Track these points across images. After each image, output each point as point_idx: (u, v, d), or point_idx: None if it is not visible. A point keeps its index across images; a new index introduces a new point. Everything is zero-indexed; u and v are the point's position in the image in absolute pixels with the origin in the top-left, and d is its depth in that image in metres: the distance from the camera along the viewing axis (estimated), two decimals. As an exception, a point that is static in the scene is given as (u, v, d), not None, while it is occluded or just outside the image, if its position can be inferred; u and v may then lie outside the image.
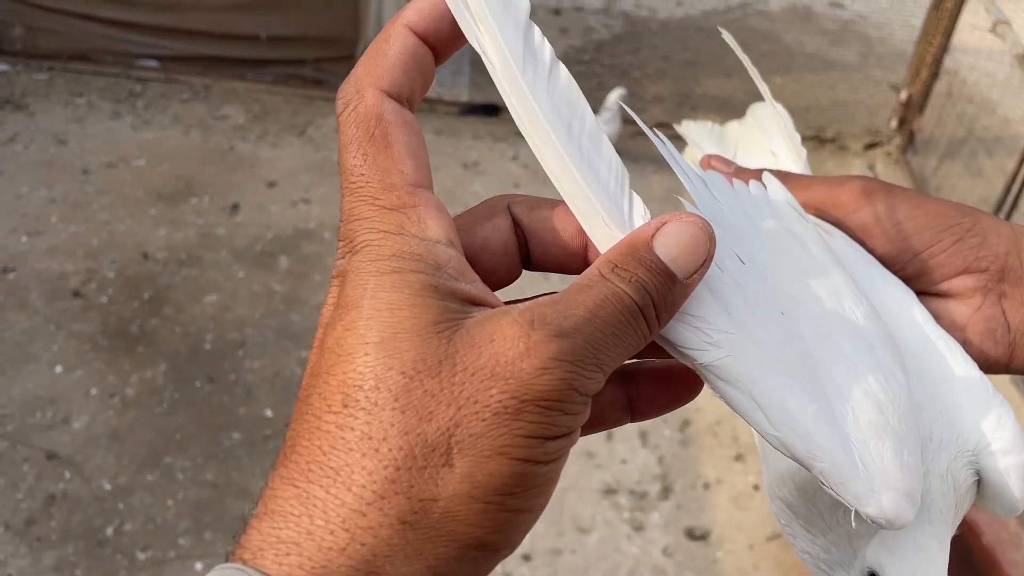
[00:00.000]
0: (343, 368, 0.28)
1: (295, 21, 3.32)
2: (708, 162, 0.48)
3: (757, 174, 0.45)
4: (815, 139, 3.33)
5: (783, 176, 0.46)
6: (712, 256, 0.31)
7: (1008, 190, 2.40)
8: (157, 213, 2.81)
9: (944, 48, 2.97)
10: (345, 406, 0.28)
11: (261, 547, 0.27)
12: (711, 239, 0.31)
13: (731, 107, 3.51)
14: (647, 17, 4.15)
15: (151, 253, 2.65)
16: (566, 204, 0.33)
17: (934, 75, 3.04)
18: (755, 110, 0.54)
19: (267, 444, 2.15)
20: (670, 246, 0.30)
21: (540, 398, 0.27)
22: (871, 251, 0.43)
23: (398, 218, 0.30)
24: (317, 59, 3.42)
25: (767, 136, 0.50)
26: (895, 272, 0.43)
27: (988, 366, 0.42)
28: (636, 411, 0.35)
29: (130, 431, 2.16)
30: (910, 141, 3.18)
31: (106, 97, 3.31)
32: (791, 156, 0.50)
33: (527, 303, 0.29)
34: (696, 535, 2.03)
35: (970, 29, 3.03)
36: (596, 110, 3.12)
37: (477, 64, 3.68)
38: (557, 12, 4.14)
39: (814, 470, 0.33)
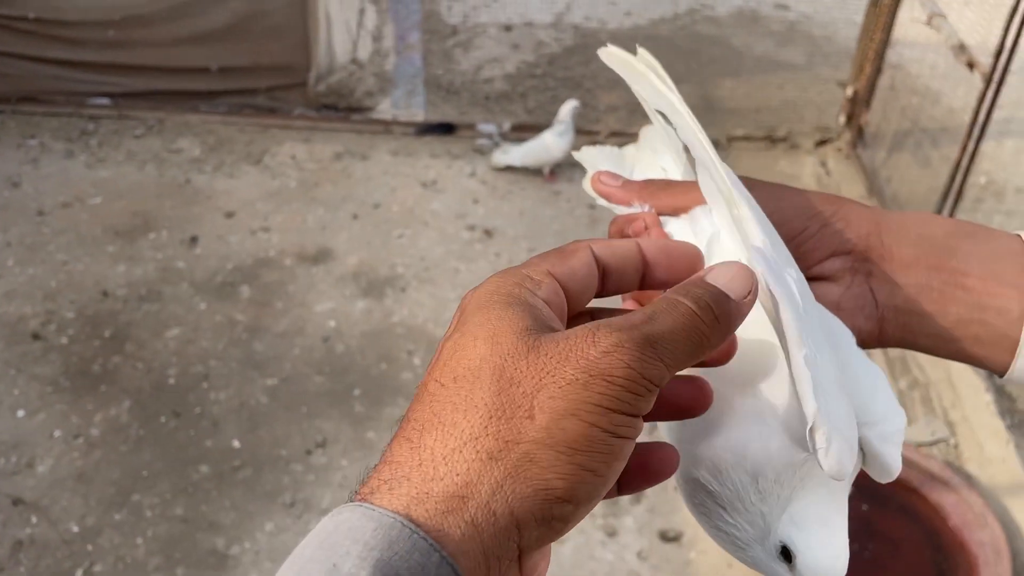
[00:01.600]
0: (456, 357, 0.35)
1: (245, 51, 3.32)
2: (598, 178, 0.49)
3: (641, 185, 0.48)
4: (767, 139, 3.39)
5: (663, 185, 0.48)
6: (757, 287, 0.38)
7: (953, 178, 2.45)
8: (115, 250, 2.79)
9: (885, 43, 3.03)
10: (455, 380, 0.34)
11: (376, 488, 0.32)
12: (753, 273, 0.38)
13: (684, 112, 3.55)
14: (597, 28, 4.20)
15: (111, 291, 2.64)
16: (629, 243, 0.42)
17: (877, 70, 3.11)
18: (646, 132, 0.57)
19: (236, 475, 2.13)
20: (720, 276, 0.38)
21: (604, 374, 0.33)
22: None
23: (520, 274, 0.38)
24: (270, 88, 3.43)
25: (657, 155, 0.53)
26: None
27: (861, 340, 0.45)
28: (623, 486, 0.40)
29: (96, 471, 2.14)
30: (859, 136, 3.24)
31: (59, 137, 3.29)
32: (678, 169, 0.53)
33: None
34: (669, 537, 2.05)
35: (908, 23, 3.10)
36: (550, 123, 3.15)
37: (431, 84, 3.71)
38: (508, 28, 4.18)
39: (808, 409, 0.37)
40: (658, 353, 0.34)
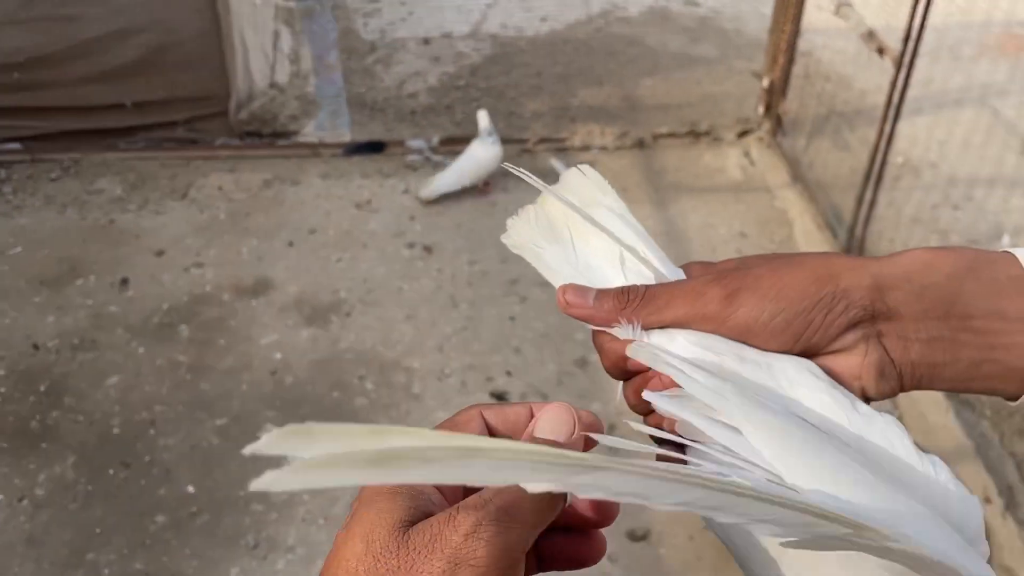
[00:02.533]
0: (338, 557, 0.38)
1: (160, 84, 3.24)
2: (565, 300, 0.48)
3: (617, 299, 0.47)
4: (690, 134, 3.45)
5: (643, 298, 0.47)
6: (576, 423, 0.42)
7: (873, 159, 2.54)
8: (42, 300, 2.69)
9: (796, 32, 3.13)
10: None
11: None
12: (570, 411, 0.42)
13: (607, 113, 3.61)
14: (515, 36, 4.23)
15: (41, 343, 2.54)
16: (522, 408, 0.44)
17: (790, 59, 3.20)
18: (566, 179, 0.56)
19: (194, 522, 2.08)
20: (544, 427, 0.42)
21: (468, 561, 0.35)
22: (754, 343, 0.46)
23: None
24: (189, 119, 3.35)
25: (589, 207, 0.53)
26: (790, 353, 0.47)
27: (883, 397, 0.47)
28: (544, 560, 0.43)
29: (46, 533, 2.06)
30: (778, 124, 3.33)
31: (-31, 187, 3.16)
32: (619, 206, 0.53)
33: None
34: (637, 536, 2.07)
35: (816, 11, 3.21)
36: (476, 133, 3.16)
37: (355, 103, 3.67)
38: (426, 41, 4.18)
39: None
40: (515, 519, 0.36)
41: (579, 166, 0.56)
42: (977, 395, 2.38)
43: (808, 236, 2.92)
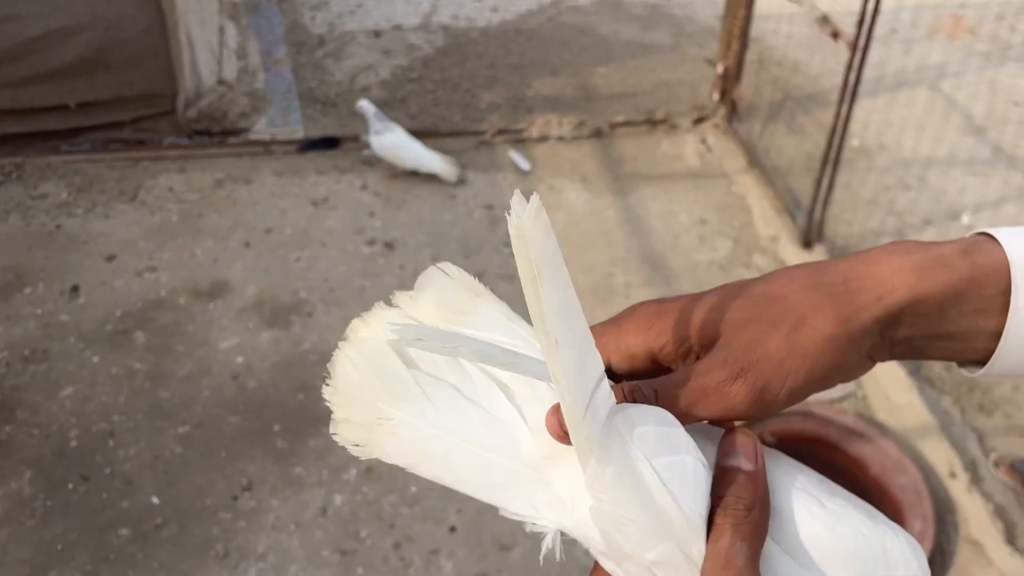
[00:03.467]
0: None
1: (105, 84, 3.14)
2: (558, 421, 0.43)
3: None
4: (647, 122, 3.46)
5: (671, 402, 0.45)
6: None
7: (830, 143, 2.57)
8: (-12, 311, 2.59)
9: (748, 19, 3.14)
10: None
11: None
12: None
13: (563, 103, 3.59)
14: (467, 27, 4.18)
15: (-10, 355, 2.44)
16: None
17: (744, 45, 3.22)
18: (422, 284, 0.48)
19: (160, 534, 2.02)
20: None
21: None
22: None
23: None
24: (136, 119, 3.25)
25: (451, 323, 0.47)
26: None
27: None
28: None
29: (4, 552, 1.98)
30: (733, 110, 3.35)
31: (-96, 195, 3.02)
32: (489, 314, 0.48)
33: None
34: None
35: (768, -2, 3.23)
36: (436, 127, 3.12)
37: (306, 98, 3.60)
38: (377, 34, 4.11)
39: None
40: None
41: (440, 265, 0.48)
42: (939, 373, 2.43)
43: (767, 221, 2.94)
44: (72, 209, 3.01)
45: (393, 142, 3.06)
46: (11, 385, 2.36)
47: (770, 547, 0.43)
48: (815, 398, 2.37)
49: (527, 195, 0.37)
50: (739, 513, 0.42)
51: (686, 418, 0.44)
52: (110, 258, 2.80)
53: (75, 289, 2.68)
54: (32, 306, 2.61)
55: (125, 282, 2.71)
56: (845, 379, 0.46)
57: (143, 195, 3.08)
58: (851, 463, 2.18)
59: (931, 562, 2.00)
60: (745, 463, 0.43)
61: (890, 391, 2.38)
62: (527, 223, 0.36)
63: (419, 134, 3.20)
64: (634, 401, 0.43)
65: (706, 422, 0.46)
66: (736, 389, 0.44)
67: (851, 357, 0.45)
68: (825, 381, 0.45)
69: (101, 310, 2.60)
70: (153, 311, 2.61)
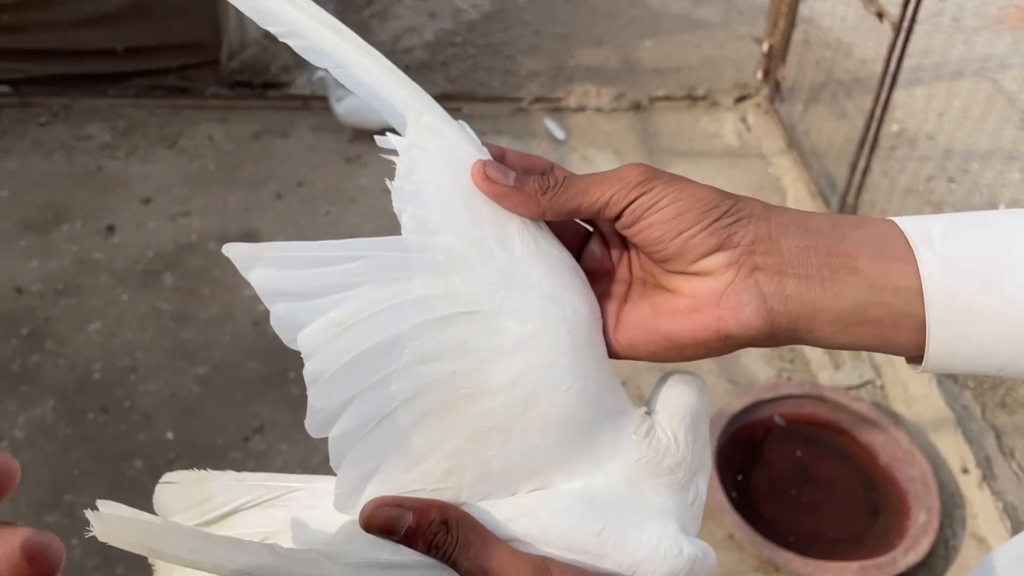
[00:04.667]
0: None
1: (152, 31, 3.19)
2: (485, 171, 0.46)
3: (538, 179, 0.46)
4: (688, 98, 3.41)
5: (558, 185, 0.46)
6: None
7: (868, 128, 2.51)
8: (27, 244, 2.67)
9: (797, -2, 3.08)
10: None
11: None
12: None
13: (604, 74, 3.56)
14: (514, -7, 4.16)
15: (25, 287, 2.53)
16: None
17: (791, 24, 3.15)
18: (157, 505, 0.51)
19: (172, 467, 2.06)
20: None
21: None
22: (640, 233, 0.45)
23: None
24: (180, 67, 3.31)
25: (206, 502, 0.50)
26: (658, 253, 0.45)
27: (751, 338, 0.44)
28: None
29: (24, 474, 2.05)
30: (776, 90, 3.29)
31: (-44, 129, 3.13)
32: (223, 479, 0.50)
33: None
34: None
35: (819, -23, 3.15)
36: (474, 92, 3.11)
37: (348, 56, 3.62)
38: (424, -3, 4.11)
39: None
40: None
41: (163, 479, 0.51)
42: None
43: (801, 203, 2.89)
44: (114, 152, 3.08)
45: (357, 105, 3.01)
46: (43, 316, 2.44)
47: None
48: (830, 382, 2.34)
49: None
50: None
51: (585, 195, 0.45)
52: (146, 201, 2.87)
53: (111, 229, 2.75)
54: (69, 242, 2.69)
55: (159, 225, 2.77)
56: (705, 239, 0.44)
57: (183, 142, 3.14)
58: (861, 450, 2.16)
59: (934, 554, 1.98)
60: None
61: (909, 382, 2.34)
62: None
63: (456, 98, 3.21)
64: (547, 183, 0.46)
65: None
66: (632, 171, 0.45)
67: (728, 208, 0.44)
68: (698, 203, 0.44)
69: (134, 250, 2.67)
70: (183, 254, 2.67)
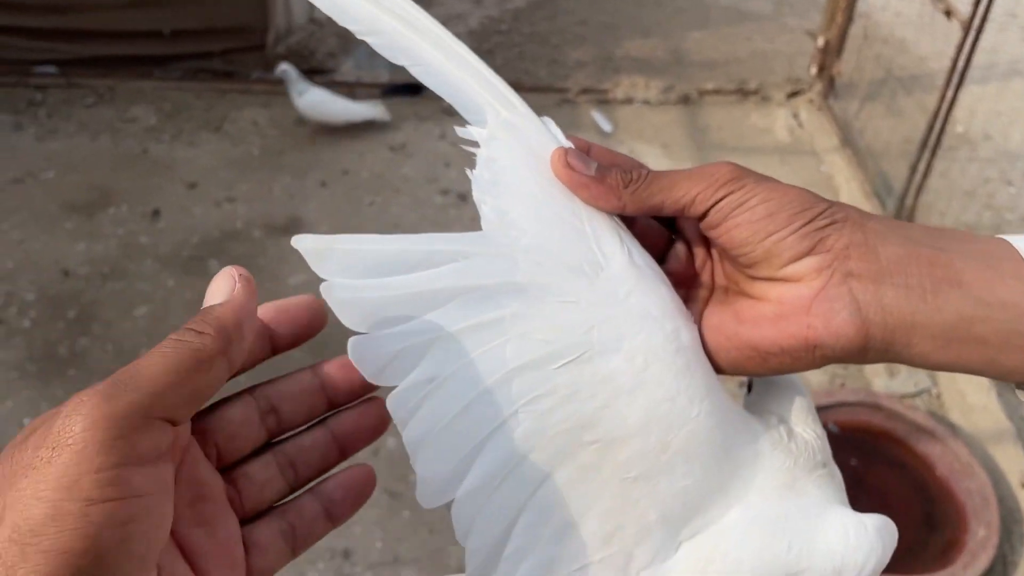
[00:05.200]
0: None
1: (198, 14, 3.18)
2: (567, 160, 0.44)
3: (620, 173, 0.44)
4: (738, 92, 3.35)
5: (641, 180, 0.44)
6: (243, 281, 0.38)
7: (931, 127, 2.44)
8: (73, 227, 2.67)
9: (856, -9, 3.00)
10: None
11: None
12: (235, 276, 0.38)
13: (652, 66, 3.50)
14: (561, -19, 4.10)
15: (72, 269, 2.53)
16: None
17: (849, 19, 3.07)
18: None
19: (218, 456, 2.07)
20: (211, 296, 0.37)
21: (66, 441, 0.30)
22: (726, 234, 0.43)
23: None
24: (226, 51, 3.29)
25: None
26: (744, 256, 0.43)
27: (842, 350, 0.40)
28: (335, 517, 0.42)
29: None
30: (830, 86, 3.22)
31: (4, 108, 3.13)
32: None
33: None
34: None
35: (879, -29, 3.07)
36: (520, 80, 3.06)
37: (393, 43, 3.59)
38: (469, -17, 4.06)
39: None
40: (127, 386, 0.31)
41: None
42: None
43: (854, 204, 2.82)
44: (159, 135, 3.07)
45: (318, 99, 2.97)
46: (89, 299, 2.44)
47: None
48: (885, 390, 2.29)
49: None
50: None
51: (670, 192, 0.43)
52: (191, 185, 2.86)
53: (156, 213, 2.74)
54: (114, 225, 2.69)
55: (204, 210, 2.76)
56: (796, 243, 0.41)
57: (227, 126, 3.12)
58: (917, 461, 2.10)
59: (992, 571, 1.92)
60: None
61: (967, 391, 2.28)
62: None
63: (503, 87, 3.15)
64: (630, 177, 0.44)
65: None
66: (722, 169, 0.43)
67: (822, 211, 0.41)
68: (789, 203, 0.42)
69: (179, 235, 2.66)
70: (228, 241, 2.65)
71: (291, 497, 0.41)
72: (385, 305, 0.39)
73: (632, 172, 0.43)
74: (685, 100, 3.31)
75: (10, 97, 3.18)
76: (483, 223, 0.41)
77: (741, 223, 0.41)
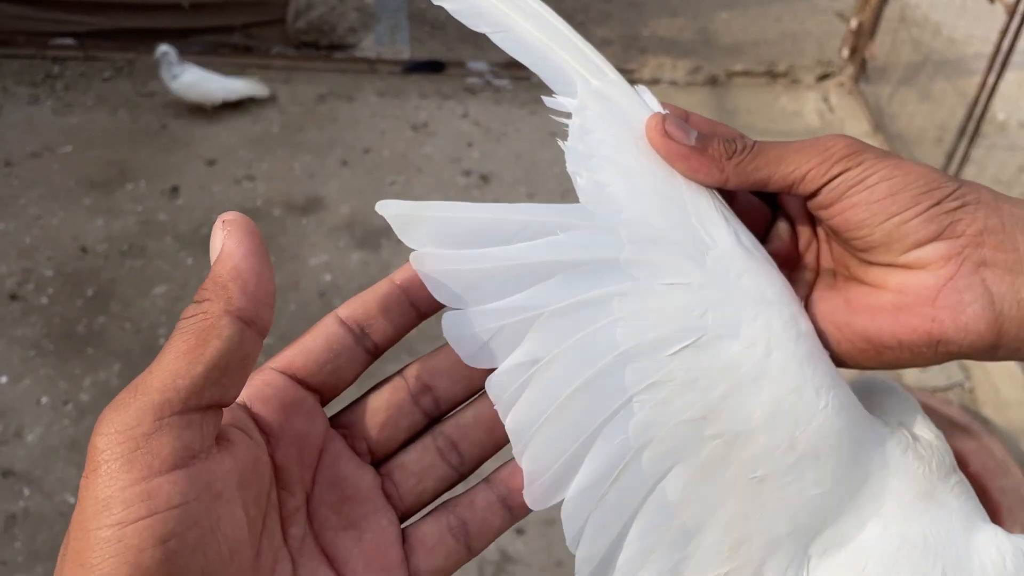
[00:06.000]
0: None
1: (219, -14, 3.13)
2: (665, 127, 0.40)
3: (723, 142, 0.40)
4: (767, 74, 3.27)
5: (748, 151, 0.40)
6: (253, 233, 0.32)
7: (970, 113, 2.37)
8: (91, 203, 2.64)
9: (892, -28, 2.92)
10: None
11: None
12: (221, 225, 0.32)
13: (679, 47, 3.43)
14: (586, -42, 4.02)
15: (90, 246, 2.50)
16: (387, 280, 0.38)
17: (883, 1, 2.99)
18: None
19: (237, 439, 2.05)
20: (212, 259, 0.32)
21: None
22: (840, 215, 0.39)
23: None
24: (245, 25, 3.24)
25: None
26: (860, 239, 0.39)
27: (970, 345, 0.37)
28: (515, 507, 0.37)
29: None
30: (863, 70, 3.14)
31: (22, 81, 3.09)
32: None
33: None
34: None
35: (916, -49, 2.98)
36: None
37: (416, 19, 3.53)
38: (492, -41, 3.99)
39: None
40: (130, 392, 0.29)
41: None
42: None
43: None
44: (178, 110, 3.03)
45: (194, 80, 2.89)
46: (108, 277, 2.41)
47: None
48: (916, 383, 2.24)
49: None
50: None
51: (777, 165, 0.39)
52: (211, 163, 2.82)
53: (175, 190, 2.71)
54: (133, 202, 2.65)
55: (223, 188, 2.72)
56: (920, 227, 0.37)
57: (247, 103, 3.07)
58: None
59: None
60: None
61: (1001, 386, 2.23)
62: None
63: (520, 67, 3.09)
64: (735, 148, 0.40)
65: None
66: (838, 142, 0.39)
67: (949, 192, 0.37)
68: (912, 183, 0.38)
69: (198, 213, 2.63)
70: (247, 220, 2.61)
71: (462, 492, 0.38)
72: (481, 279, 0.35)
73: (736, 142, 0.40)
74: (713, 82, 3.24)
75: (27, 70, 3.14)
76: (580, 196, 0.38)
77: (859, 203, 0.38)
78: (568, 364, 0.34)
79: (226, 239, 0.31)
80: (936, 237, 0.37)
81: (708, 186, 0.40)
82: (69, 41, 3.21)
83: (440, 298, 0.35)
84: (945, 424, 2.07)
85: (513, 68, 3.22)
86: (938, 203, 0.37)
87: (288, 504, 0.34)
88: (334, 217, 2.63)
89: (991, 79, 2.29)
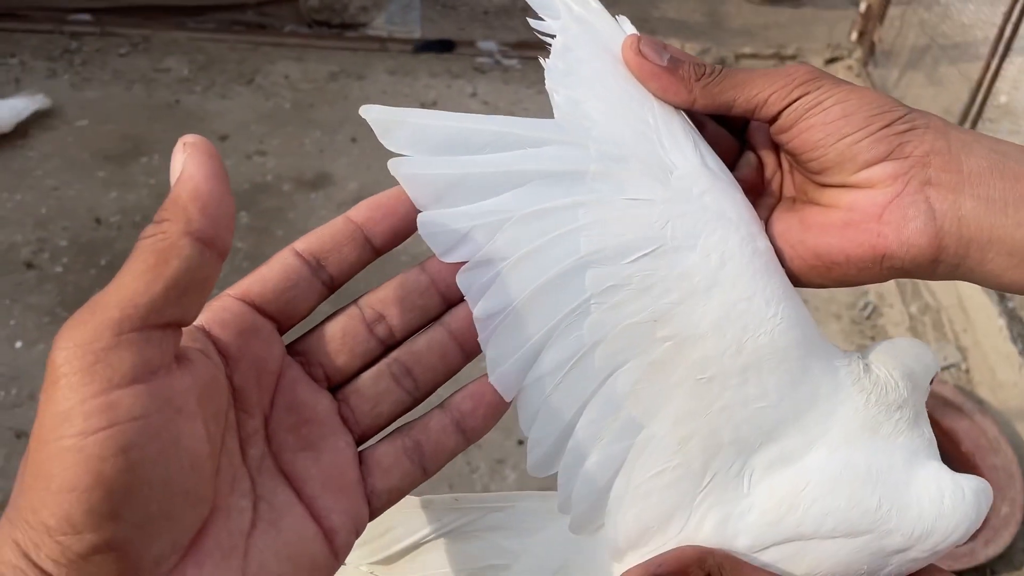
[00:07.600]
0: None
1: (233, -36, 3.16)
2: (640, 47, 0.42)
3: (694, 64, 0.42)
4: (775, 56, 3.28)
5: (716, 73, 0.42)
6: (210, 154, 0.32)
7: (973, 97, 2.38)
8: (106, 175, 2.70)
9: (902, -45, 2.92)
10: None
11: None
12: (180, 148, 0.32)
13: (689, 28, 3.44)
14: (598, -61, 4.03)
15: (104, 218, 2.55)
16: (342, 217, 0.40)
17: (893, -16, 3.00)
18: None
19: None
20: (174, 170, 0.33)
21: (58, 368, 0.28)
22: (798, 136, 0.41)
23: None
24: (259, 3, 3.28)
25: None
26: (815, 161, 0.41)
27: (911, 261, 0.39)
28: (468, 431, 0.39)
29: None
30: (871, 53, 3.15)
31: (39, 55, 3.15)
32: None
33: None
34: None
35: (927, -66, 2.98)
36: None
37: (427, -1, 3.56)
38: (505, -61, 4.00)
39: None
40: (98, 299, 0.29)
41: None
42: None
43: (890, 174, 2.77)
44: (192, 86, 3.08)
45: None
46: (121, 248, 2.47)
47: None
48: (913, 364, 2.26)
49: None
50: None
51: (743, 88, 0.41)
52: (223, 137, 2.86)
53: (187, 164, 2.76)
54: (147, 175, 2.71)
55: (235, 163, 2.77)
56: (871, 147, 0.39)
57: (260, 79, 3.12)
58: (943, 436, 2.08)
59: (1014, 547, 1.91)
60: None
61: (997, 367, 2.25)
62: None
63: (534, 47, 3.11)
64: (703, 70, 0.42)
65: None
66: (800, 70, 0.41)
67: (900, 116, 0.39)
68: (865, 105, 0.40)
69: (209, 187, 2.67)
70: (258, 194, 2.66)
71: (417, 417, 0.39)
72: (457, 183, 0.38)
73: (706, 67, 0.42)
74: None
75: (45, 44, 3.19)
76: (555, 112, 0.40)
77: (814, 124, 0.40)
78: (533, 264, 0.37)
79: (187, 161, 0.31)
80: (885, 157, 0.38)
81: (677, 107, 0.41)
82: (86, 17, 3.26)
83: (416, 199, 0.38)
84: (938, 403, 2.10)
85: (522, 48, 3.24)
86: (888, 124, 0.39)
87: (247, 426, 0.35)
88: (342, 193, 2.68)
89: (995, 63, 2.30)
